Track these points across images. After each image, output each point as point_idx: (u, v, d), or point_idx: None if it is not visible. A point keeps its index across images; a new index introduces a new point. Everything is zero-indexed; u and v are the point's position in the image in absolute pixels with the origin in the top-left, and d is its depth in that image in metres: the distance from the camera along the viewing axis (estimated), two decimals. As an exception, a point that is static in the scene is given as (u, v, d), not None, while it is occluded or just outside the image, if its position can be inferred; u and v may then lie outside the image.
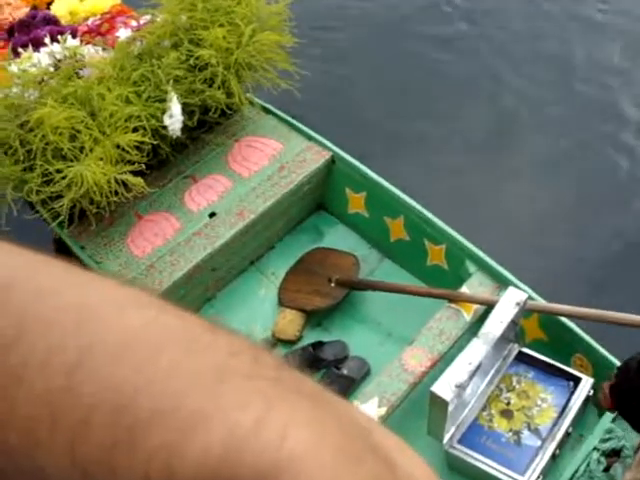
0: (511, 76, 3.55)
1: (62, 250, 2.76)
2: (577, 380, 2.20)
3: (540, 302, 2.24)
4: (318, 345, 2.44)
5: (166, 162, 2.63)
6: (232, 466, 0.30)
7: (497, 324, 2.05)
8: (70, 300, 0.34)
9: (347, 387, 2.35)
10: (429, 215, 2.48)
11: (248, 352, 0.34)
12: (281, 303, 2.57)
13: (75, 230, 2.45)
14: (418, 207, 2.50)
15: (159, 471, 0.30)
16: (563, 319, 2.25)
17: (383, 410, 2.11)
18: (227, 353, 0.33)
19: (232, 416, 0.30)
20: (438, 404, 1.96)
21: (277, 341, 2.51)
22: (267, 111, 2.83)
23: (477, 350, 2.02)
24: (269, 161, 2.65)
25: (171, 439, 0.30)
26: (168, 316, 0.35)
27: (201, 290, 2.55)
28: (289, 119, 2.77)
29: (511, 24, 3.81)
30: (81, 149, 2.27)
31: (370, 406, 2.12)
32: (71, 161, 2.25)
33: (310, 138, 2.71)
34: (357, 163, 2.63)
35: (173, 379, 0.31)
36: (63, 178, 2.21)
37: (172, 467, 0.30)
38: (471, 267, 2.39)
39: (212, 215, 2.53)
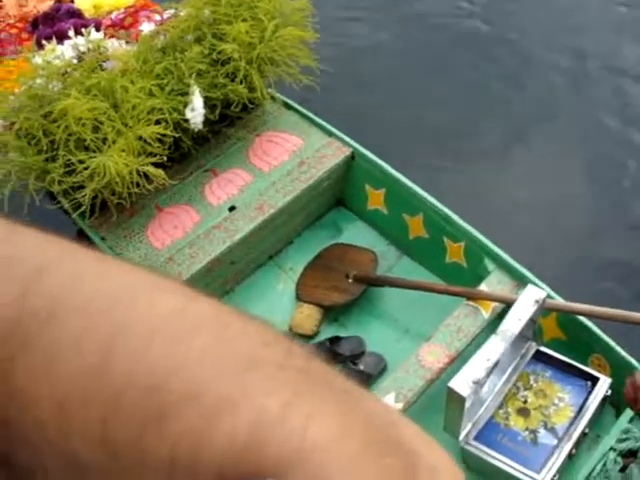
0: (528, 76, 3.54)
1: (82, 241, 2.78)
2: (595, 380, 2.19)
3: (559, 301, 2.23)
4: (335, 340, 2.45)
5: (187, 155, 2.64)
6: (256, 454, 0.30)
7: (515, 322, 2.05)
8: (102, 287, 0.35)
9: (363, 382, 2.34)
10: (448, 212, 2.48)
11: (280, 343, 0.34)
12: (299, 298, 2.57)
13: (96, 221, 2.47)
14: (437, 204, 2.50)
15: (185, 454, 0.30)
16: (582, 318, 2.24)
17: (399, 405, 2.11)
18: (259, 342, 0.33)
19: (259, 403, 0.30)
20: (455, 400, 1.96)
21: (294, 335, 2.51)
22: (288, 107, 2.83)
23: (495, 347, 2.01)
24: (289, 156, 2.66)
25: (199, 424, 0.30)
26: (200, 303, 0.36)
27: (220, 283, 2.56)
28: (310, 115, 2.78)
29: (528, 26, 3.80)
30: (104, 140, 2.28)
31: (387, 401, 2.11)
32: (93, 152, 2.27)
33: (330, 134, 2.72)
34: (377, 159, 2.64)
35: (204, 364, 0.32)
36: (85, 169, 2.23)
37: (198, 452, 0.30)
38: (490, 265, 2.38)
39: (232, 209, 2.54)
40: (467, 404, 1.97)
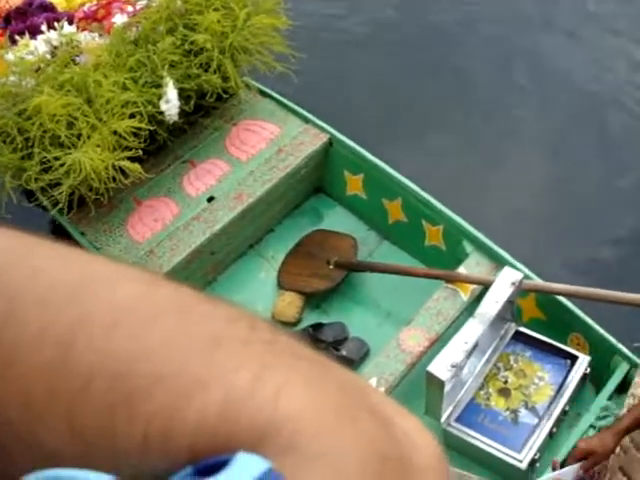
0: (512, 63, 3.54)
1: (62, 237, 2.79)
2: (574, 358, 2.22)
3: (537, 281, 2.25)
4: (317, 327, 2.47)
5: (164, 147, 2.64)
6: (229, 426, 0.30)
7: (493, 304, 2.07)
8: (61, 277, 0.35)
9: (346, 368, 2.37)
10: (426, 196, 2.48)
11: (244, 319, 0.34)
12: (280, 286, 2.59)
13: (75, 217, 2.46)
14: (416, 189, 2.51)
15: (157, 433, 0.31)
16: (560, 298, 2.26)
17: (381, 390, 2.13)
18: (223, 320, 0.33)
19: (228, 379, 0.31)
20: (435, 384, 1.98)
21: (277, 323, 2.53)
22: (264, 94, 2.83)
23: (473, 330, 2.04)
24: (267, 144, 2.66)
25: (169, 402, 0.30)
26: (161, 288, 0.35)
27: (201, 274, 2.57)
28: (286, 102, 2.77)
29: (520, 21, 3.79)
30: (78, 136, 2.28)
31: (368, 387, 2.14)
32: (69, 148, 2.26)
33: (307, 121, 2.71)
34: (355, 145, 2.64)
35: (170, 346, 0.32)
36: (61, 165, 2.23)
37: (170, 429, 0.30)
38: (468, 247, 2.40)
39: (210, 199, 2.54)
40: (447, 387, 1.99)
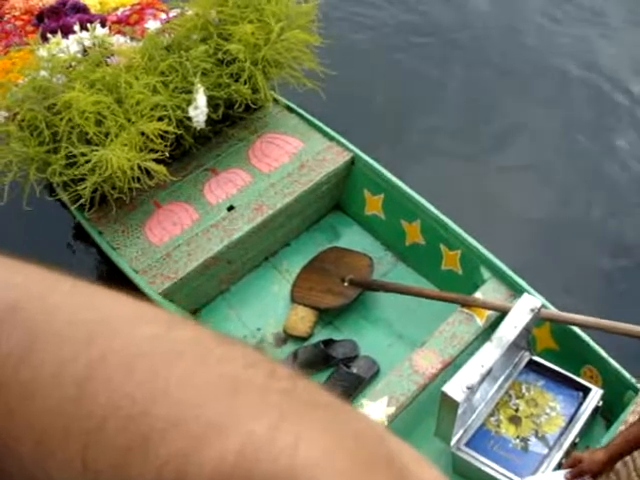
0: (527, 85, 3.57)
1: (80, 234, 2.79)
2: (586, 391, 2.21)
3: (553, 310, 2.25)
4: (329, 343, 2.46)
5: (188, 153, 2.65)
6: (245, 474, 0.30)
7: (510, 329, 2.06)
8: (80, 315, 0.35)
9: (356, 386, 2.36)
10: (446, 220, 2.49)
11: (263, 364, 0.34)
12: (294, 300, 2.58)
13: (94, 215, 2.47)
14: (435, 212, 2.51)
15: (172, 476, 0.30)
16: (575, 329, 2.25)
17: (392, 410, 2.12)
18: (242, 365, 0.33)
19: (246, 425, 0.30)
20: (448, 405, 1.97)
21: (288, 337, 2.52)
22: (290, 109, 2.85)
23: (489, 354, 2.03)
24: (289, 158, 2.67)
25: (186, 447, 0.30)
26: (180, 329, 0.35)
27: (215, 282, 2.56)
28: (311, 118, 2.79)
29: (523, 37, 3.83)
30: (106, 134, 2.29)
31: (379, 405, 2.13)
32: (96, 145, 2.27)
33: (331, 138, 2.73)
34: (376, 165, 2.65)
35: (187, 389, 0.31)
36: (87, 162, 2.23)
37: (185, 473, 0.30)
38: (485, 273, 2.40)
39: (230, 208, 2.55)
40: (460, 410, 1.98)
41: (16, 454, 0.33)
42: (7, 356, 0.33)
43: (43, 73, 2.46)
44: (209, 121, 2.52)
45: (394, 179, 2.61)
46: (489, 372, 2.05)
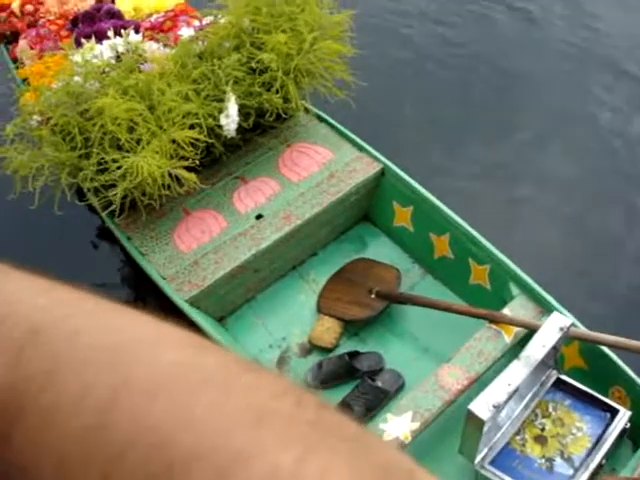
0: (558, 98, 3.54)
1: (108, 237, 2.80)
2: (614, 412, 2.17)
3: (583, 329, 2.22)
4: (354, 355, 2.44)
5: (218, 161, 2.66)
6: None
7: (539, 348, 2.04)
8: (103, 339, 0.34)
9: (381, 399, 2.35)
10: (476, 234, 2.47)
11: (290, 394, 0.33)
12: (320, 310, 2.57)
13: (123, 221, 2.48)
14: (465, 225, 2.50)
15: None
16: (604, 349, 2.23)
17: (416, 425, 2.11)
18: (268, 394, 0.33)
19: (272, 457, 0.30)
20: (474, 423, 1.95)
21: (313, 347, 2.51)
22: (320, 119, 2.85)
23: (517, 372, 2.00)
24: (319, 168, 2.67)
25: (211, 477, 0.29)
26: (206, 354, 0.34)
27: (242, 290, 2.56)
28: (341, 128, 2.79)
29: (552, 51, 3.81)
30: (138, 141, 2.30)
31: (403, 420, 2.11)
32: (127, 152, 2.28)
33: (361, 149, 2.72)
34: (406, 177, 2.64)
35: (213, 419, 0.31)
36: (118, 168, 2.24)
37: None
38: (514, 289, 2.37)
39: (259, 217, 2.55)
40: (485, 428, 1.96)
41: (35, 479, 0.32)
42: (28, 380, 0.33)
43: (77, 79, 2.48)
44: (239, 129, 2.52)
45: (424, 191, 2.59)
46: (516, 390, 2.03)
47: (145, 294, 2.73)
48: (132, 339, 0.34)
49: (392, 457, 0.33)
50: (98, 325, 0.35)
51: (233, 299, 2.56)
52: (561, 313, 2.23)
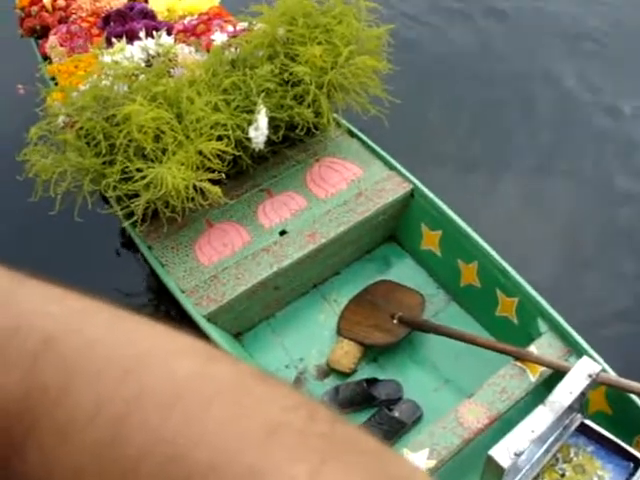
0: (592, 115, 3.45)
1: (129, 247, 2.75)
2: (638, 462, 2.09)
3: (612, 375, 2.14)
4: (372, 382, 2.38)
5: (244, 172, 2.59)
6: None
7: (566, 395, 1.96)
8: (117, 350, 0.34)
9: (397, 430, 2.28)
10: (505, 265, 2.39)
11: (303, 407, 0.33)
12: (339, 332, 2.51)
13: (145, 230, 2.42)
14: (495, 255, 2.42)
15: None
16: (632, 396, 2.15)
17: (432, 463, 2.04)
18: (281, 407, 0.32)
19: (287, 471, 0.29)
20: (494, 469, 1.88)
21: (331, 370, 2.45)
22: (352, 134, 2.77)
23: (542, 419, 1.93)
24: (347, 186, 2.60)
25: None
26: (218, 365, 0.34)
27: (261, 307, 2.50)
28: (373, 145, 2.71)
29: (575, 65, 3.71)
30: (163, 151, 2.24)
31: (420, 456, 2.05)
32: (152, 161, 2.22)
33: (392, 168, 2.65)
34: (437, 200, 2.56)
35: (226, 431, 0.31)
36: (142, 178, 2.18)
37: None
38: (542, 326, 2.30)
39: (283, 233, 2.48)
40: (506, 476, 1.88)
41: None
42: (43, 392, 0.33)
43: (105, 82, 2.42)
44: (268, 142, 2.45)
45: (454, 216, 2.51)
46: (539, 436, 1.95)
47: (165, 303, 2.68)
48: (146, 351, 0.34)
49: (407, 471, 0.33)
50: (112, 336, 0.35)
51: (251, 315, 2.50)
52: (590, 356, 2.15)
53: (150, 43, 2.65)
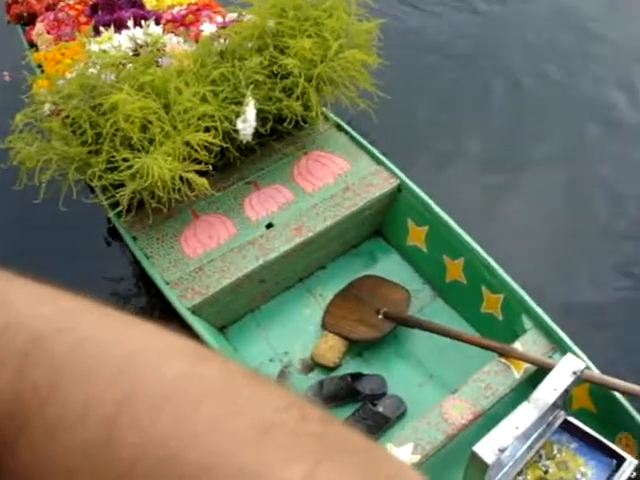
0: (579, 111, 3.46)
1: (114, 236, 2.73)
2: (621, 459, 2.10)
3: (595, 373, 2.14)
4: (356, 376, 2.37)
5: (231, 164, 2.57)
6: None
7: (550, 391, 1.96)
8: (106, 350, 0.34)
9: (381, 425, 2.28)
10: (491, 262, 2.39)
11: (295, 407, 0.33)
12: (324, 327, 2.50)
13: (130, 220, 2.40)
14: (481, 251, 2.42)
15: None
16: (616, 393, 2.15)
17: (416, 458, 2.04)
18: (272, 408, 0.32)
19: (280, 473, 0.29)
20: (478, 465, 1.88)
21: (315, 365, 2.44)
22: (340, 128, 2.76)
23: (526, 415, 1.93)
24: (334, 180, 2.59)
25: None
26: (208, 364, 0.34)
27: (246, 300, 2.49)
28: (360, 139, 2.70)
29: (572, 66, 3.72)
30: (150, 141, 2.22)
31: (404, 451, 2.05)
32: (138, 151, 2.20)
33: (379, 162, 2.64)
34: (423, 195, 2.56)
35: (217, 432, 0.30)
36: (128, 168, 2.16)
37: None
38: (527, 323, 2.30)
39: (269, 226, 2.47)
40: (490, 471, 1.89)
41: None
42: (33, 391, 0.32)
43: (92, 70, 2.40)
44: (256, 134, 2.44)
45: (441, 212, 2.51)
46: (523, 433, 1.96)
47: (149, 294, 2.66)
48: (135, 351, 0.34)
49: (399, 470, 0.33)
50: (102, 336, 0.35)
51: (236, 308, 2.49)
52: (574, 353, 2.16)
53: (138, 32, 2.62)
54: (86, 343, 0.34)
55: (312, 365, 2.45)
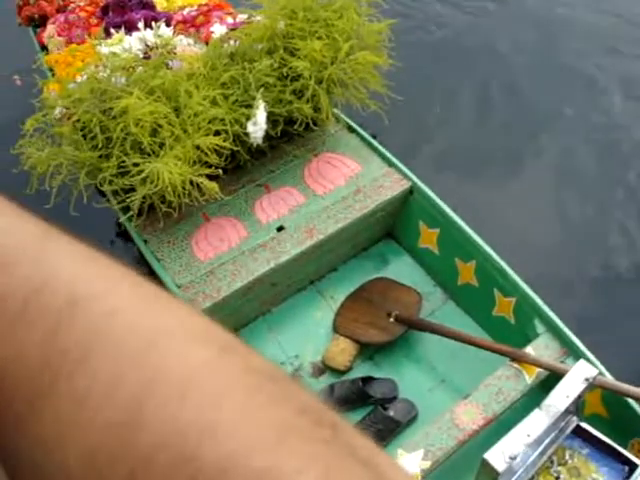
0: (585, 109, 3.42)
1: (125, 240, 2.73)
2: (633, 466, 2.08)
3: (608, 379, 2.13)
4: (367, 380, 2.37)
5: (241, 167, 2.57)
6: None
7: (562, 398, 1.95)
8: (138, 327, 0.33)
9: (392, 429, 2.27)
10: (504, 265, 2.37)
11: (312, 411, 0.33)
12: (336, 330, 2.49)
13: (141, 223, 2.40)
14: (493, 254, 2.40)
15: None
16: (628, 399, 2.14)
17: (427, 464, 2.03)
18: (293, 409, 0.32)
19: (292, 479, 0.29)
20: (488, 473, 1.87)
21: (326, 368, 2.44)
22: (351, 130, 2.75)
23: (538, 422, 1.92)
24: (345, 182, 2.58)
25: None
26: (233, 355, 0.34)
27: (257, 303, 2.49)
28: (372, 141, 2.69)
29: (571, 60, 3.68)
30: (160, 145, 2.22)
31: (414, 457, 2.04)
32: (149, 155, 2.20)
33: (391, 164, 2.62)
34: (435, 198, 2.54)
35: (237, 430, 0.30)
36: (139, 172, 2.16)
37: None
38: (539, 327, 2.28)
39: (280, 229, 2.46)
40: (500, 478, 1.88)
41: (63, 466, 0.32)
42: (64, 354, 0.32)
43: (102, 74, 2.40)
44: (266, 136, 2.43)
45: (453, 215, 2.49)
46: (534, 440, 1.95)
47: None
48: (164, 328, 0.34)
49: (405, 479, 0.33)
50: (134, 306, 0.35)
51: (247, 312, 2.48)
52: (587, 358, 2.14)
53: (149, 34, 2.62)
54: (118, 312, 0.34)
55: (323, 368, 2.44)
